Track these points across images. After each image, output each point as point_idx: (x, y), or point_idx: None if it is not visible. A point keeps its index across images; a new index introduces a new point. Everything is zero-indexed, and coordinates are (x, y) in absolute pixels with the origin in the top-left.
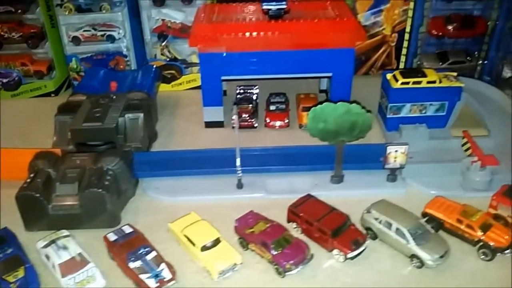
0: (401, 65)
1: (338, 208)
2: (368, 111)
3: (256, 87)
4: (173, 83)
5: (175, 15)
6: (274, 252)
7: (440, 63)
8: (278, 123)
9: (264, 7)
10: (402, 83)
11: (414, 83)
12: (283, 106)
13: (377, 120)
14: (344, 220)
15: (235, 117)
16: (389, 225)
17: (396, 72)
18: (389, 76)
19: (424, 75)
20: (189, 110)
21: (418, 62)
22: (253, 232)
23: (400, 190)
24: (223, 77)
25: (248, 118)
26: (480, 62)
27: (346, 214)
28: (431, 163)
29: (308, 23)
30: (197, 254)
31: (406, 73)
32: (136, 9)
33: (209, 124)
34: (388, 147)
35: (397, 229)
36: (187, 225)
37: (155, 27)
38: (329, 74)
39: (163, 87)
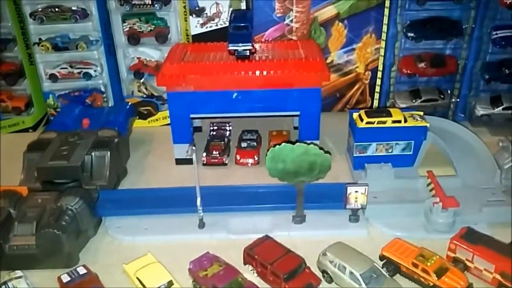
0: (375, 103)
1: (299, 249)
2: (327, 152)
3: (230, 124)
4: (149, 119)
5: (151, 53)
6: None
7: (413, 101)
8: (248, 161)
9: (230, 48)
10: (367, 123)
11: (379, 122)
12: (254, 144)
13: (346, 159)
14: (299, 263)
15: (193, 155)
16: (343, 269)
17: (362, 112)
18: (355, 115)
19: (389, 115)
20: (163, 147)
21: (392, 100)
22: (206, 275)
23: (362, 231)
24: (192, 115)
25: (218, 155)
26: (453, 100)
27: (301, 256)
28: (396, 203)
29: (274, 64)
30: None
31: (371, 112)
32: (113, 47)
33: (179, 161)
34: (348, 187)
35: (351, 272)
36: (141, 267)
37: (132, 64)
38: (297, 113)
39: (140, 123)
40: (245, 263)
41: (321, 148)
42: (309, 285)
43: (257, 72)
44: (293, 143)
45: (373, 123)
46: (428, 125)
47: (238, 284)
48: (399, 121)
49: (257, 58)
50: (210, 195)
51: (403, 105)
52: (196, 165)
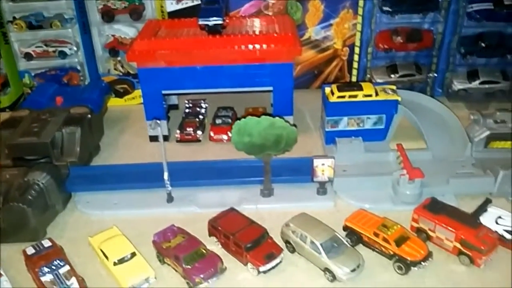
0: (354, 79)
1: (266, 221)
2: (293, 125)
3: (205, 101)
4: (126, 97)
5: (126, 31)
6: (185, 266)
7: (390, 76)
8: (222, 137)
9: (201, 22)
10: (338, 97)
11: (350, 96)
12: (229, 120)
13: (321, 135)
14: (261, 234)
15: (158, 131)
16: (305, 238)
17: (333, 86)
18: (327, 90)
19: (360, 89)
20: (138, 124)
21: (368, 76)
22: (169, 246)
23: (329, 203)
24: (164, 92)
25: (192, 131)
26: (431, 75)
27: (263, 227)
28: (364, 176)
29: (245, 38)
30: (110, 268)
31: (342, 86)
32: (87, 25)
33: (153, 138)
34: (315, 160)
35: (312, 242)
36: (105, 240)
37: (107, 42)
38: (270, 88)
39: (116, 102)
40: (210, 235)
41: (286, 121)
42: (270, 255)
43: (228, 47)
44: (259, 116)
45: (344, 97)
46: (399, 99)
47: (200, 254)
48: (370, 95)
49: (229, 33)
50: (179, 171)
51: (381, 81)
52: (162, 141)
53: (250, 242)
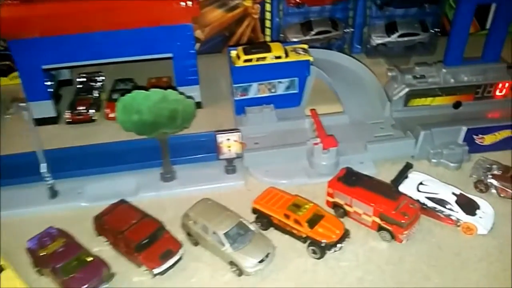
0: (268, 39)
1: (168, 210)
2: (189, 97)
3: (101, 73)
4: (10, 75)
5: None
6: (64, 278)
7: (305, 34)
8: None
9: None
10: (245, 61)
11: (258, 59)
12: None
13: (231, 103)
14: (155, 229)
15: (24, 113)
16: (206, 229)
17: (239, 49)
18: (233, 53)
19: (268, 50)
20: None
21: (282, 35)
22: (46, 254)
23: (240, 182)
24: (44, 66)
25: (85, 110)
26: (347, 30)
27: (158, 221)
28: (278, 148)
29: None
30: None
31: (249, 49)
32: None
33: (40, 121)
34: (218, 136)
35: (214, 232)
36: None
37: None
38: (169, 55)
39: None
40: (98, 234)
41: (181, 93)
42: (166, 253)
43: (114, 9)
44: (147, 89)
45: (251, 60)
46: (311, 59)
47: (82, 261)
48: (280, 57)
49: None
50: (63, 159)
51: (296, 40)
52: (32, 125)
53: (142, 240)
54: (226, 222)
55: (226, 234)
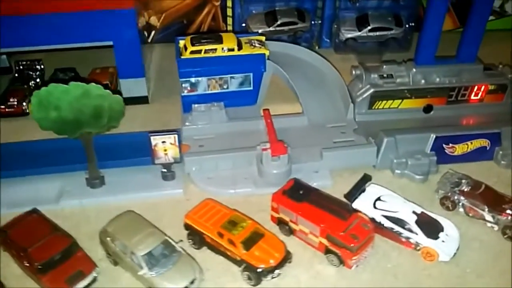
0: (230, 29)
1: (92, 222)
2: (116, 92)
3: (40, 62)
4: None
5: None
6: None
7: (269, 25)
8: None
9: None
10: (192, 52)
11: (207, 51)
12: None
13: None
14: (66, 246)
15: None
16: (125, 248)
17: (187, 38)
18: (181, 43)
19: (219, 41)
20: None
21: (243, 25)
22: None
23: (177, 191)
24: None
25: (17, 102)
26: (315, 22)
27: (70, 237)
28: (224, 152)
29: None
30: None
31: (198, 38)
32: None
33: None
34: (152, 138)
35: (132, 253)
36: None
37: None
38: (110, 43)
39: None
40: (3, 249)
41: (106, 88)
42: (76, 275)
43: None
44: (88, 81)
45: (200, 52)
46: (267, 53)
47: None
48: (232, 49)
49: None
50: None
51: (258, 31)
52: None
53: (47, 260)
54: (147, 241)
55: (146, 256)
